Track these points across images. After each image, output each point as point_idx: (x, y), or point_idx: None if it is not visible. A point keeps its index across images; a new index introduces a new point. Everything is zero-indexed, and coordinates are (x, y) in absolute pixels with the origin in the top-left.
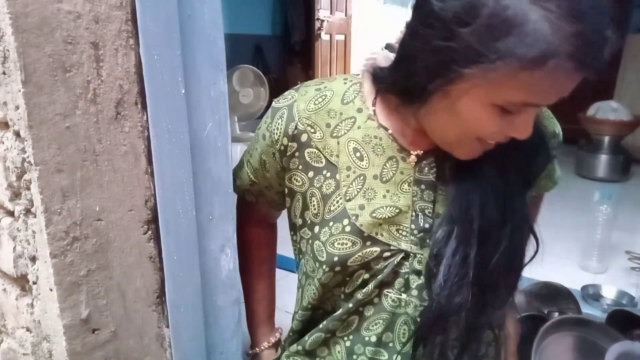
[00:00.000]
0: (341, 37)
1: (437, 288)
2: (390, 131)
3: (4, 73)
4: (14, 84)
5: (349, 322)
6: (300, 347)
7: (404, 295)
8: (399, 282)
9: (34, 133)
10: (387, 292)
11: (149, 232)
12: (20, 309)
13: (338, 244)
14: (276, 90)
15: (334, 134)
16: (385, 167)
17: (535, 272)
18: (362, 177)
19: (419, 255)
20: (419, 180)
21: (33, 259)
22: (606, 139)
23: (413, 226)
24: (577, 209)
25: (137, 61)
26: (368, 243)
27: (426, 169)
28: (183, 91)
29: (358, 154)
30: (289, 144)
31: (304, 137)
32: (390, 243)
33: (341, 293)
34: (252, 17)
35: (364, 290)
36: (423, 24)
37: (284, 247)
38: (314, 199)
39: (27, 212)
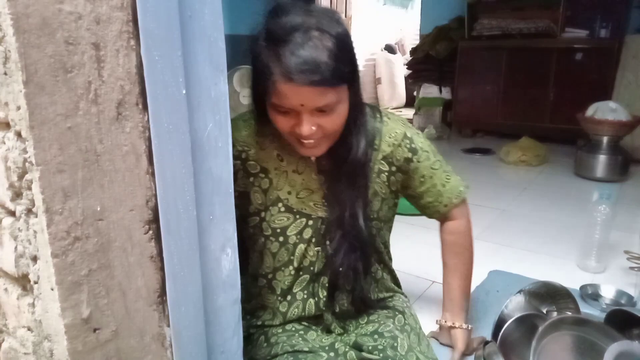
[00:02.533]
0: None
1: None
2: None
3: (5, 73)
4: (16, 85)
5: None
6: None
7: (324, 246)
8: (322, 238)
9: (35, 133)
10: (315, 247)
11: (150, 232)
12: (22, 308)
13: (278, 220)
14: None
15: (262, 148)
16: (299, 163)
17: (534, 271)
18: (285, 173)
19: (329, 217)
20: (321, 170)
21: (34, 259)
22: (605, 139)
23: (323, 200)
24: (575, 209)
25: (138, 62)
26: (297, 216)
27: (324, 162)
28: (184, 91)
29: (280, 157)
30: (235, 162)
31: (243, 155)
32: (312, 213)
33: (285, 256)
34: (253, 18)
35: (297, 250)
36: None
37: None
38: (256, 194)
39: (29, 212)
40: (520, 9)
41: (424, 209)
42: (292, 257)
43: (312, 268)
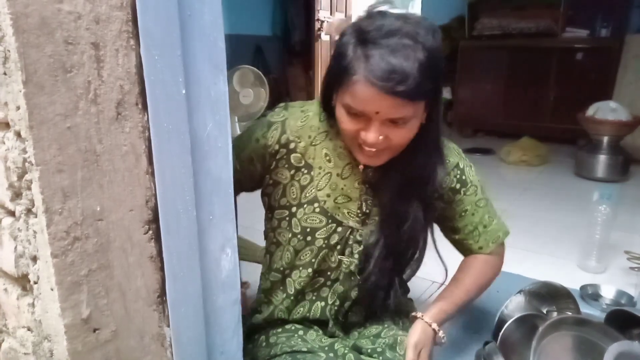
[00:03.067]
0: None
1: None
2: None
3: (4, 73)
4: (15, 85)
5: (311, 277)
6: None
7: (347, 258)
8: (347, 249)
9: (34, 133)
10: (338, 255)
11: (150, 232)
12: (21, 308)
13: (310, 220)
14: (276, 91)
15: (313, 143)
16: (345, 168)
17: (534, 271)
18: (329, 174)
19: (360, 231)
20: (365, 181)
21: (34, 259)
22: (605, 139)
23: (358, 210)
24: (576, 209)
25: (138, 61)
26: (330, 221)
27: (370, 174)
28: (183, 91)
29: (327, 158)
30: (280, 149)
31: (291, 145)
32: (343, 221)
33: (308, 257)
34: (252, 18)
35: (321, 253)
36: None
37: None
38: (293, 188)
39: (28, 212)
40: (521, 8)
41: (457, 244)
42: (313, 260)
43: (329, 273)
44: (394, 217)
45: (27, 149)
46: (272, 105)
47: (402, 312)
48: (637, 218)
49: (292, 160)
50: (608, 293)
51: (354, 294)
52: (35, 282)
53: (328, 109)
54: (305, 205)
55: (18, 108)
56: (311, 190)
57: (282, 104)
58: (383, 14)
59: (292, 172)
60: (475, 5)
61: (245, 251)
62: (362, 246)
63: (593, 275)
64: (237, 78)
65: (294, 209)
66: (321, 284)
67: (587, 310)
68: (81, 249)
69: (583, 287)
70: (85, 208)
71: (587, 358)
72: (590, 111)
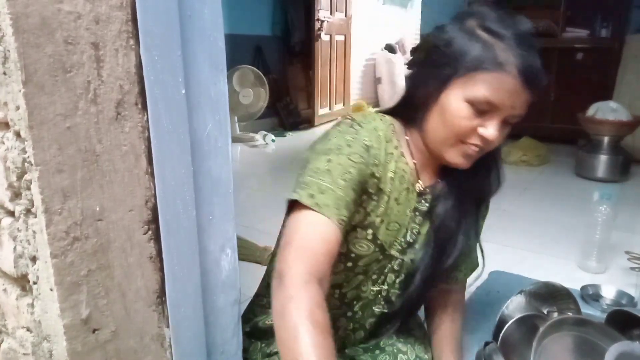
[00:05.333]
0: (341, 38)
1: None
2: (414, 162)
3: (4, 73)
4: (15, 84)
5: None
6: None
7: (383, 286)
8: (381, 277)
9: (34, 133)
10: (372, 282)
11: (149, 232)
12: (21, 309)
13: (358, 245)
14: (276, 91)
15: (386, 167)
16: (401, 193)
17: (534, 272)
18: (388, 199)
19: (399, 260)
20: (416, 208)
21: (33, 259)
22: (605, 139)
23: (402, 239)
24: (576, 209)
25: (138, 61)
26: (377, 249)
27: (423, 201)
28: (183, 91)
29: (391, 182)
30: (369, 180)
31: (377, 174)
32: (387, 249)
33: (339, 279)
34: (252, 18)
35: (356, 280)
36: (424, 60)
37: None
38: (357, 215)
39: (28, 212)
40: (521, 8)
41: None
42: (345, 283)
43: (354, 302)
44: (440, 244)
45: (26, 149)
46: (272, 105)
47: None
48: (638, 218)
49: (370, 188)
50: (608, 293)
51: (370, 321)
52: (35, 283)
53: (406, 116)
54: (358, 229)
55: (18, 108)
56: (370, 215)
57: (349, 121)
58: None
59: (364, 197)
60: (474, 5)
61: (245, 251)
62: (399, 275)
63: (593, 275)
64: (237, 78)
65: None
66: (340, 310)
67: (588, 310)
68: (81, 249)
69: (583, 288)
70: (85, 208)
71: (588, 358)
72: (591, 111)
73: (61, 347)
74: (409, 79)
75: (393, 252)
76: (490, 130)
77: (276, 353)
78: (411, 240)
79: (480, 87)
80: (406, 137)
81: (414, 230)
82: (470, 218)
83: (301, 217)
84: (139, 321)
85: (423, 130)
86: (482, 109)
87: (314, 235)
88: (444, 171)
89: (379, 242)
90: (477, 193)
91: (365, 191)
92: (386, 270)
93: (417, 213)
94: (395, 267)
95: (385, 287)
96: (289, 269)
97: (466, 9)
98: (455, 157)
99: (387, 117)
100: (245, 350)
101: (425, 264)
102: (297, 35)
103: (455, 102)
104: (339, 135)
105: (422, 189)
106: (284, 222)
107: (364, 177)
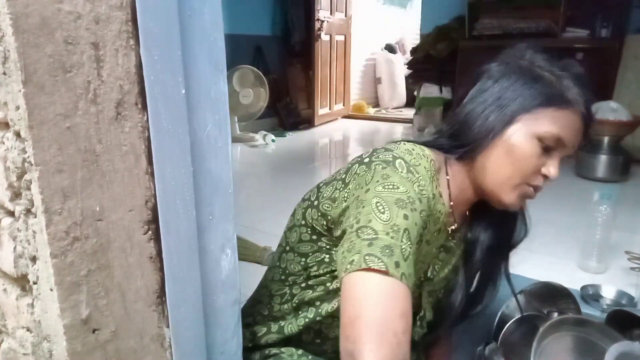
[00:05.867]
0: (341, 38)
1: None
2: (451, 203)
3: (4, 73)
4: (15, 84)
5: None
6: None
7: None
8: None
9: (34, 133)
10: None
11: (149, 232)
12: (21, 309)
13: None
14: (276, 91)
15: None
16: (434, 235)
17: (534, 272)
18: (422, 243)
19: (415, 294)
20: (443, 245)
21: (33, 259)
22: (605, 139)
23: (422, 274)
24: (576, 209)
25: (138, 61)
26: None
27: (450, 237)
28: (183, 91)
29: (427, 225)
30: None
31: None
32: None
33: None
34: (252, 18)
35: None
36: (482, 93)
37: None
38: None
39: (28, 212)
40: (521, 8)
41: None
42: None
43: None
44: (470, 280)
45: (26, 149)
46: (272, 105)
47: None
48: (638, 218)
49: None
50: (608, 293)
51: None
52: (35, 283)
53: (453, 151)
54: None
55: (18, 108)
56: None
57: (401, 161)
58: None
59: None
60: (475, 5)
61: (246, 251)
62: (419, 311)
63: (593, 275)
64: (237, 78)
65: None
66: None
67: (588, 310)
68: (81, 249)
69: (584, 288)
70: (85, 208)
71: (588, 358)
72: None
73: (61, 347)
74: (464, 113)
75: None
76: (552, 169)
77: None
78: (431, 276)
79: (551, 123)
80: (447, 177)
81: (436, 267)
82: (495, 256)
83: (373, 284)
84: (138, 321)
85: (476, 167)
86: (549, 147)
87: (393, 311)
88: (475, 209)
89: None
90: (505, 238)
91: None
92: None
93: (441, 249)
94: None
95: None
96: (366, 353)
97: (508, 50)
98: (513, 198)
99: (427, 152)
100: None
101: (458, 298)
102: (297, 35)
103: (524, 139)
104: (404, 181)
105: (453, 228)
106: (341, 282)
107: (419, 233)
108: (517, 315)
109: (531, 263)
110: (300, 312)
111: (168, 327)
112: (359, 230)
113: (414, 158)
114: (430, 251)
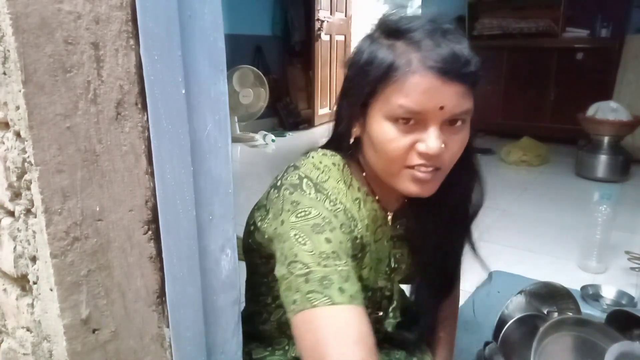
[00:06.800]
0: (341, 38)
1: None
2: (377, 197)
3: (4, 73)
4: (15, 84)
5: None
6: None
7: (379, 314)
8: (375, 307)
9: (34, 133)
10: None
11: (149, 232)
12: (21, 309)
13: None
14: (276, 91)
15: (361, 218)
16: (377, 231)
17: (534, 272)
18: (368, 247)
19: (388, 286)
20: (393, 236)
21: (33, 259)
22: (606, 139)
23: (387, 268)
24: (576, 209)
25: (138, 61)
26: (369, 293)
27: (398, 226)
28: (183, 91)
29: (366, 224)
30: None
31: (358, 237)
32: (373, 285)
33: None
34: (252, 18)
35: None
36: (343, 83)
37: None
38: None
39: (28, 212)
40: (521, 8)
41: None
42: None
43: None
44: (430, 263)
45: (26, 149)
46: (271, 105)
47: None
48: (638, 218)
49: (355, 250)
50: (609, 293)
51: None
52: (35, 283)
53: (345, 149)
54: None
55: (17, 108)
56: (362, 270)
57: (305, 179)
58: (401, 14)
59: (355, 262)
60: (475, 5)
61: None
62: (391, 302)
63: (593, 275)
64: (237, 78)
65: None
66: None
67: (588, 310)
68: (80, 249)
69: (584, 288)
70: (85, 208)
71: (588, 359)
72: (591, 111)
73: (61, 347)
74: (336, 114)
75: (380, 284)
76: (429, 141)
77: None
78: (395, 266)
79: (393, 99)
80: (363, 174)
81: (397, 255)
82: (452, 231)
83: (322, 322)
84: (138, 321)
85: (367, 164)
86: (407, 123)
87: (348, 341)
88: None
89: (369, 287)
90: (452, 205)
91: (354, 256)
92: (378, 299)
93: (395, 239)
94: (386, 293)
95: (380, 314)
96: None
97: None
98: (408, 186)
99: (338, 157)
100: None
101: (418, 288)
102: (297, 35)
103: (376, 126)
104: (314, 203)
105: (390, 214)
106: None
107: (353, 244)
108: (517, 315)
109: (531, 263)
110: (284, 339)
111: (168, 327)
112: (290, 266)
113: (322, 172)
114: (382, 246)
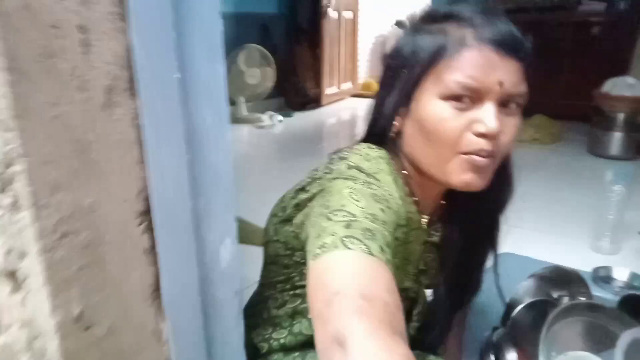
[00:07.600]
0: (349, 15)
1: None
2: (416, 198)
3: None
4: None
5: None
6: None
7: None
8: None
9: (20, 123)
10: None
11: (143, 224)
12: (13, 306)
13: None
14: (283, 70)
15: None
16: (410, 233)
17: (545, 253)
18: (405, 245)
19: (414, 288)
20: (427, 241)
21: (23, 255)
22: (621, 116)
23: (415, 270)
24: (589, 189)
25: (128, 45)
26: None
27: (432, 231)
28: (177, 76)
29: (408, 224)
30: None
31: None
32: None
33: None
34: None
35: None
36: (383, 77)
37: None
38: None
39: (15, 205)
40: None
41: None
42: None
43: None
44: (455, 270)
45: (12, 139)
46: (278, 84)
47: None
48: None
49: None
50: (621, 276)
51: None
52: (25, 279)
53: (386, 145)
54: None
55: (2, 97)
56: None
57: (357, 171)
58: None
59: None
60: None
61: (245, 234)
62: (415, 306)
63: (606, 256)
64: (243, 57)
65: None
66: None
67: (599, 293)
68: (71, 244)
69: (595, 270)
70: (75, 201)
71: (599, 345)
72: (606, 87)
73: (54, 345)
74: (375, 108)
75: (407, 284)
76: (487, 120)
77: None
78: (425, 268)
79: (447, 75)
80: (404, 172)
81: (428, 259)
82: (481, 242)
83: (352, 261)
84: (134, 316)
85: (409, 157)
86: (464, 101)
87: (379, 284)
88: (449, 193)
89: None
90: (486, 208)
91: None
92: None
93: (427, 245)
94: (412, 295)
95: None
96: (350, 327)
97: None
98: (460, 175)
99: (383, 151)
100: None
101: (438, 293)
102: (304, 12)
103: (429, 107)
104: (370, 183)
105: (427, 219)
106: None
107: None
108: (527, 301)
109: (542, 244)
110: (294, 322)
111: (165, 321)
112: (331, 214)
113: (372, 164)
114: (412, 248)
